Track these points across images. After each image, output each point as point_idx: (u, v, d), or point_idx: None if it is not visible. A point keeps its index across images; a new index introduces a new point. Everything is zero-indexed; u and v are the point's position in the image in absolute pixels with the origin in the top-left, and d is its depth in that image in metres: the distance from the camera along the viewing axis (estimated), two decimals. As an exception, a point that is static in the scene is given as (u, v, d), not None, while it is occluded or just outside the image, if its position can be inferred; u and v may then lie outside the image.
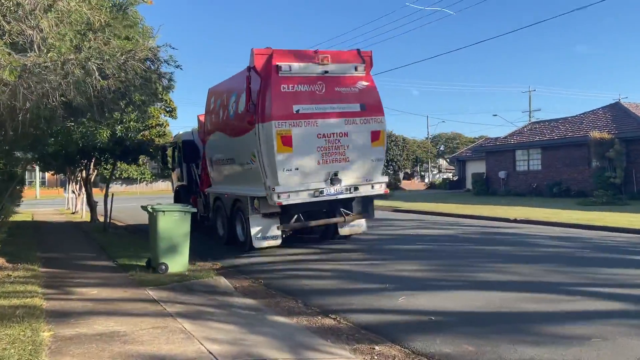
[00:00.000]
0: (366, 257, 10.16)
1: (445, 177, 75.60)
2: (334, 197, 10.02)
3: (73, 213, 25.34)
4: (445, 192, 38.44)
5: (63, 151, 13.28)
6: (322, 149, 9.79)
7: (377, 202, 12.62)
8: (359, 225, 11.54)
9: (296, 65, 9.68)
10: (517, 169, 30.01)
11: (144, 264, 8.88)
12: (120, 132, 12.59)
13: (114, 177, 36.57)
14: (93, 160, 16.33)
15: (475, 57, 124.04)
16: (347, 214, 10.81)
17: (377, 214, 13.26)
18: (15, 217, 20.10)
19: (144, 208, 8.52)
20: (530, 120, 44.27)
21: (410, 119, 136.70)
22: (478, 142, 47.48)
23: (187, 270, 8.41)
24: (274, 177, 9.44)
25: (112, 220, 15.89)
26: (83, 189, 19.52)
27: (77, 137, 10.52)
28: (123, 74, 6.62)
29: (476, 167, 38.09)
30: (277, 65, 9.42)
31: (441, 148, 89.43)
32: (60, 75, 5.12)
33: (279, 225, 10.19)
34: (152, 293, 6.82)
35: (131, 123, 12.51)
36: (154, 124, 15.95)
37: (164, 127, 20.16)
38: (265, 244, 10.09)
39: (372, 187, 10.50)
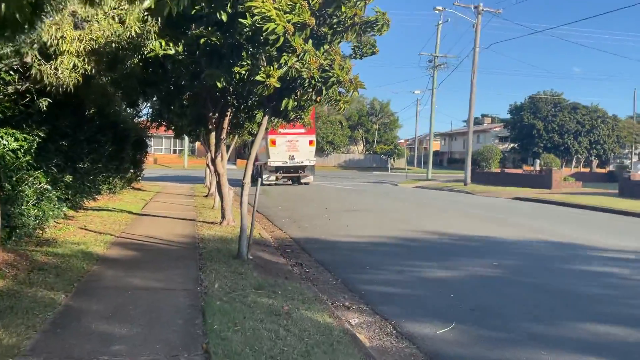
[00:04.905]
0: None
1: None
2: (292, 165, 24.39)
3: (206, 196, 18.00)
4: None
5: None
6: (287, 146, 24.14)
7: None
8: (310, 179, 25.76)
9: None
10: None
11: None
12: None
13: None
14: (220, 106, 7.86)
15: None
16: (302, 173, 25.17)
17: None
18: (119, 203, 13.19)
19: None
20: None
21: (610, 92, 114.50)
22: None
23: None
24: (269, 156, 24.12)
25: (257, 220, 7.50)
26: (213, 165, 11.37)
27: None
28: None
29: None
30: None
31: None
32: None
33: (273, 175, 24.90)
34: None
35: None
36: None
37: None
38: (267, 182, 23.94)
39: (310, 162, 24.84)
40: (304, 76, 6.09)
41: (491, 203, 18.89)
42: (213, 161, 10.60)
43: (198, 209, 13.86)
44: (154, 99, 12.01)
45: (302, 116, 8.84)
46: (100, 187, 14.58)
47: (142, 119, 21.82)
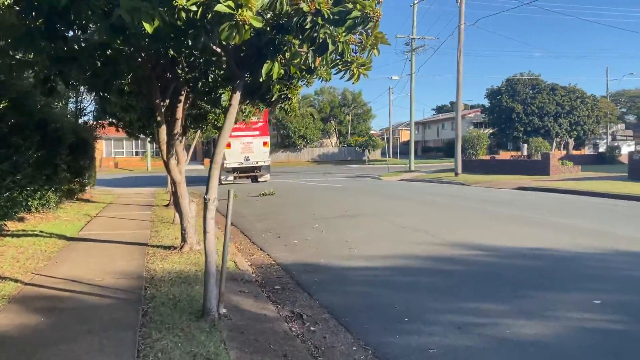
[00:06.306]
0: None
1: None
2: (247, 165, 25.81)
3: (167, 205, 15.11)
4: None
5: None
6: (242, 147, 25.30)
7: None
8: (266, 177, 26.94)
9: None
10: None
11: None
12: None
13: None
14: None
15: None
16: (258, 172, 26.54)
17: None
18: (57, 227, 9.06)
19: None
20: None
21: (585, 71, 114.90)
22: None
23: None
24: (225, 158, 23.32)
25: (230, 238, 4.88)
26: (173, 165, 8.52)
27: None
28: None
29: None
30: None
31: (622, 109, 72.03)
32: None
33: (231, 175, 25.62)
34: None
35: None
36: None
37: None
38: (225, 182, 24.49)
39: (264, 162, 26.15)
40: (304, 10, 3.40)
41: (499, 196, 16.55)
42: (166, 165, 7.79)
43: (154, 225, 11.01)
44: (82, 87, 9.12)
45: (290, 96, 6.13)
46: (30, 203, 11.62)
47: (87, 117, 18.78)
